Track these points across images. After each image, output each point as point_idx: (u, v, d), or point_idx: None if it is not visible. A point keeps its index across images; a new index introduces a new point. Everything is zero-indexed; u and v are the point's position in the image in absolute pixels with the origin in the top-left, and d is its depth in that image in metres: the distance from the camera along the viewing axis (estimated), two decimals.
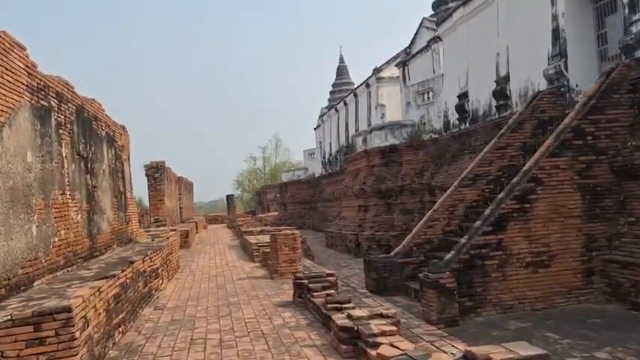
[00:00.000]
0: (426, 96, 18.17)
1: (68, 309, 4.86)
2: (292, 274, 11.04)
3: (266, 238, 16.73)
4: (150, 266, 9.55)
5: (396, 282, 10.28)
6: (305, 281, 8.02)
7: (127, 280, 7.52)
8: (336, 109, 31.17)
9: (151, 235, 14.89)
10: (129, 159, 13.21)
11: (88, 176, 8.97)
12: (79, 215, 8.23)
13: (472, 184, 10.79)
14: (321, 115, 36.86)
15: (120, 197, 11.49)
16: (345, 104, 29.02)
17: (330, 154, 33.16)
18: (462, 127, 15.59)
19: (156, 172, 21.57)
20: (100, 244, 9.25)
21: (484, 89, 14.48)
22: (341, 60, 38.78)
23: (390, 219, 17.08)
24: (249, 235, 18.90)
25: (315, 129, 40.38)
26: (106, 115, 10.71)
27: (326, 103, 38.63)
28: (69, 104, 8.11)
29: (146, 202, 26.74)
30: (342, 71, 38.38)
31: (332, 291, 7.69)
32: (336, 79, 38.44)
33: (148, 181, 21.60)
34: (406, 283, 10.22)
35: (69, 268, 7.49)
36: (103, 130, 10.27)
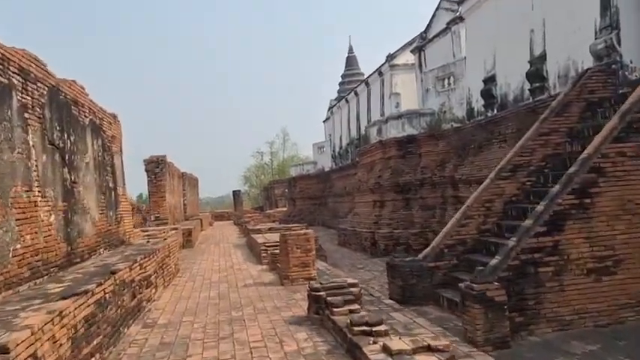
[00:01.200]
0: (446, 82, 16.69)
1: (4, 349, 3.53)
2: (305, 280, 9.71)
3: (275, 237, 15.39)
4: (140, 274, 8.23)
5: (426, 289, 8.89)
6: (322, 293, 6.66)
7: (107, 296, 6.19)
8: (347, 100, 29.72)
9: (147, 235, 13.59)
10: (121, 151, 11.89)
11: (66, 170, 7.64)
12: (53, 216, 6.91)
13: (511, 176, 9.35)
14: (331, 107, 35.41)
15: (109, 194, 10.17)
16: (356, 94, 27.58)
17: (341, 147, 31.74)
18: (489, 114, 14.12)
19: (156, 167, 20.30)
20: (81, 249, 7.93)
21: (515, 71, 13.00)
22: (350, 50, 37.29)
23: (409, 215, 15.68)
24: (257, 234, 17.57)
25: (324, 122, 38.95)
26: (91, 101, 9.37)
27: (335, 95, 37.19)
28: (38, 84, 6.77)
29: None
30: (351, 62, 36.87)
31: (356, 306, 6.32)
32: (345, 70, 36.95)
33: (148, 176, 20.33)
34: (437, 291, 8.84)
35: (37, 281, 6.18)
36: (86, 117, 8.94)
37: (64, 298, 5.14)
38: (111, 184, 10.47)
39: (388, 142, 16.66)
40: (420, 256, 9.14)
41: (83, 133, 8.71)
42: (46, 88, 7.06)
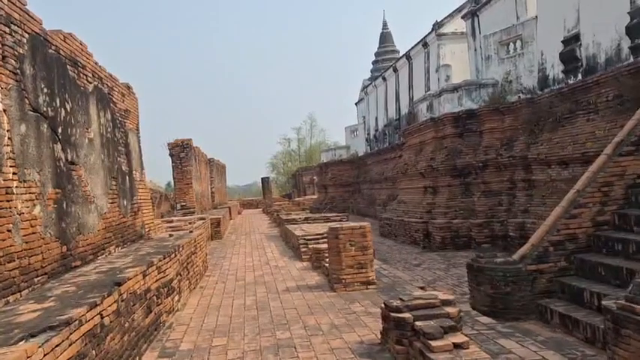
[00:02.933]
0: (511, 47, 14.36)
1: None
2: (362, 284, 7.78)
3: (314, 228, 13.50)
4: (158, 280, 6.41)
5: (524, 300, 6.84)
6: (407, 315, 4.67)
7: (106, 320, 4.36)
8: (384, 78, 27.42)
9: (171, 227, 11.86)
10: (137, 130, 10.10)
11: (58, 146, 5.82)
12: (38, 207, 5.10)
13: (635, 151, 7.15)
14: (364, 88, 33.13)
15: (122, 179, 8.38)
16: (395, 70, 25.27)
17: (377, 130, 29.53)
18: (571, 81, 11.80)
19: (181, 152, 18.59)
20: (81, 249, 6.14)
21: (607, 27, 10.66)
22: (384, 26, 34.80)
23: (470, 203, 13.53)
24: (292, 224, 15.71)
25: (356, 104, 36.71)
26: (95, 63, 7.54)
27: (368, 75, 34.88)
28: (13, 27, 4.93)
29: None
30: (386, 38, 34.41)
31: (461, 337, 4.32)
32: (379, 47, 34.52)
33: (173, 161, 18.65)
34: (540, 302, 6.77)
35: (9, 299, 4.38)
36: (88, 82, 7.11)
37: (32, 336, 3.32)
38: (125, 167, 8.68)
39: (442, 118, 14.48)
40: (516, 256, 7.06)
41: (85, 102, 6.88)
42: (27, 35, 5.21)
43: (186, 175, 18.39)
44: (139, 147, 10.12)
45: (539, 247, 6.94)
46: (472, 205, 13.45)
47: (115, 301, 4.64)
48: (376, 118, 29.69)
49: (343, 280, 7.86)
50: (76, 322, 3.72)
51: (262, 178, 45.91)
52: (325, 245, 10.33)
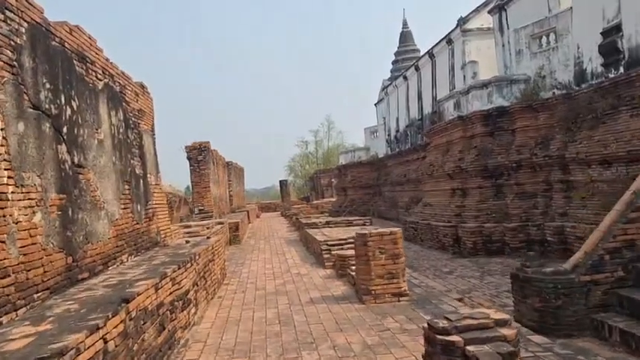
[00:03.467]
0: (544, 40, 13.57)
1: None
2: (393, 295, 7.14)
3: (336, 233, 12.88)
4: (172, 293, 5.87)
5: (578, 314, 6.12)
6: (456, 338, 4.03)
7: (110, 345, 3.80)
8: (405, 77, 26.68)
9: (188, 232, 11.36)
10: (152, 131, 9.62)
11: (63, 147, 5.32)
12: (39, 214, 4.59)
13: None
14: (384, 88, 32.41)
15: (135, 183, 7.89)
16: (417, 69, 24.53)
17: (397, 131, 28.78)
18: (612, 75, 10.99)
19: (199, 154, 18.16)
20: (89, 260, 5.62)
21: None
22: (404, 25, 34.09)
23: (502, 205, 12.76)
24: (313, 229, 15.11)
25: (376, 104, 36.00)
26: (106, 60, 7.05)
27: (388, 75, 34.18)
28: (8, 13, 4.43)
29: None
30: (406, 37, 33.68)
31: None
32: (399, 47, 33.79)
33: (191, 165, 18.23)
34: (596, 317, 6.05)
35: (3, 319, 3.86)
36: (98, 79, 6.62)
37: None
38: (138, 170, 8.19)
39: (471, 116, 13.74)
40: (567, 265, 6.34)
41: (94, 100, 6.39)
42: (25, 24, 4.71)
43: (204, 179, 17.95)
44: (155, 149, 9.63)
45: (593, 255, 6.21)
46: (505, 207, 12.68)
47: (121, 321, 4.10)
48: (397, 119, 28.96)
49: (373, 292, 7.22)
50: (73, 350, 3.17)
51: (280, 181, 45.48)
52: (350, 252, 9.72)
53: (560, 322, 6.15)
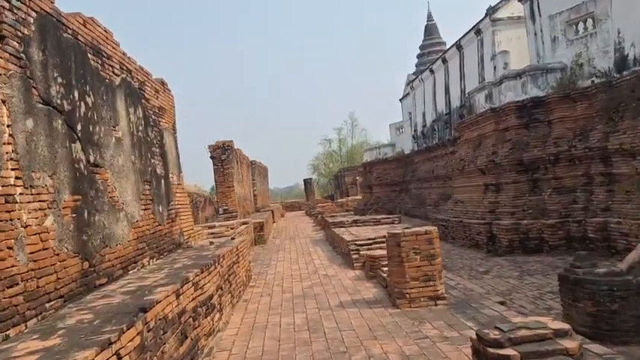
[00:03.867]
0: (581, 26, 12.82)
1: None
2: (429, 299, 6.67)
3: (364, 232, 12.43)
4: (195, 299, 5.52)
5: (636, 319, 5.54)
6: (512, 352, 3.54)
7: (125, 359, 3.45)
8: (432, 71, 25.97)
9: (212, 233, 11.07)
10: (174, 130, 9.34)
11: (77, 146, 5.02)
12: (51, 217, 4.29)
13: None
14: (409, 82, 31.72)
15: (156, 183, 7.59)
16: (444, 62, 23.81)
17: (424, 126, 28.10)
18: None
19: (222, 154, 17.91)
20: (108, 265, 5.32)
21: None
22: (429, 17, 33.29)
23: (539, 201, 12.09)
24: (339, 228, 14.69)
25: (401, 100, 35.32)
26: (123, 54, 6.75)
27: (413, 69, 33.46)
28: (14, 2, 4.13)
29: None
30: (431, 30, 32.90)
31: None
32: (424, 40, 33.04)
33: (214, 164, 18.00)
34: None
35: (10, 332, 3.55)
36: (115, 74, 6.32)
37: None
38: (160, 170, 7.90)
39: (505, 108, 13.08)
40: (622, 265, 5.76)
41: (111, 97, 6.09)
42: (34, 14, 4.41)
43: (228, 178, 17.70)
44: (177, 148, 9.35)
45: None
46: (542, 203, 12.00)
47: (138, 334, 3.74)
48: (423, 114, 28.27)
49: (407, 295, 6.76)
50: None
51: (305, 180, 45.19)
52: (380, 252, 9.27)
53: (617, 328, 5.58)
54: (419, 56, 33.10)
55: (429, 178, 24.62)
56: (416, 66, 33.12)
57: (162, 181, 8.01)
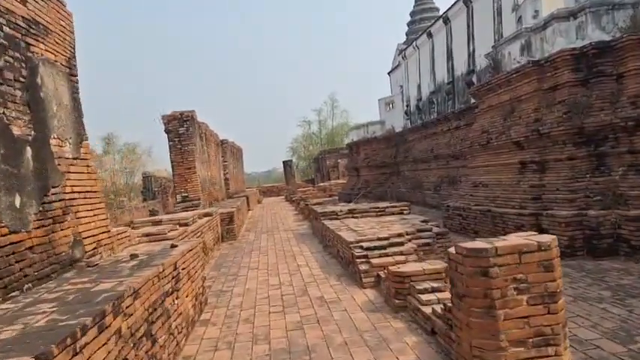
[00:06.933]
0: None
1: None
2: None
3: (368, 227, 9.01)
4: None
5: None
6: None
7: None
8: (430, 34, 22.43)
9: (148, 235, 7.47)
10: (69, 68, 5.63)
11: None
12: None
13: None
14: (401, 52, 28.14)
15: (15, 154, 3.95)
16: (446, 22, 20.35)
17: (419, 99, 24.67)
18: None
19: (180, 127, 14.17)
20: None
21: None
22: None
23: (609, 183, 8.81)
24: (332, 220, 11.22)
25: (389, 73, 31.78)
26: None
27: (403, 39, 29.92)
28: None
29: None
30: None
31: None
32: (415, 6, 29.43)
33: (170, 140, 14.25)
34: None
35: None
36: None
37: None
38: (19, 131, 4.26)
39: (555, 58, 9.69)
40: None
41: None
42: None
43: (188, 157, 14.01)
44: (75, 100, 5.67)
45: None
46: (613, 186, 8.73)
47: None
48: (419, 86, 24.83)
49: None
50: None
51: (284, 162, 41.58)
52: (413, 267, 5.84)
53: None
54: (409, 24, 29.57)
55: (426, 159, 21.32)
56: (406, 34, 29.61)
57: (29, 149, 4.37)
